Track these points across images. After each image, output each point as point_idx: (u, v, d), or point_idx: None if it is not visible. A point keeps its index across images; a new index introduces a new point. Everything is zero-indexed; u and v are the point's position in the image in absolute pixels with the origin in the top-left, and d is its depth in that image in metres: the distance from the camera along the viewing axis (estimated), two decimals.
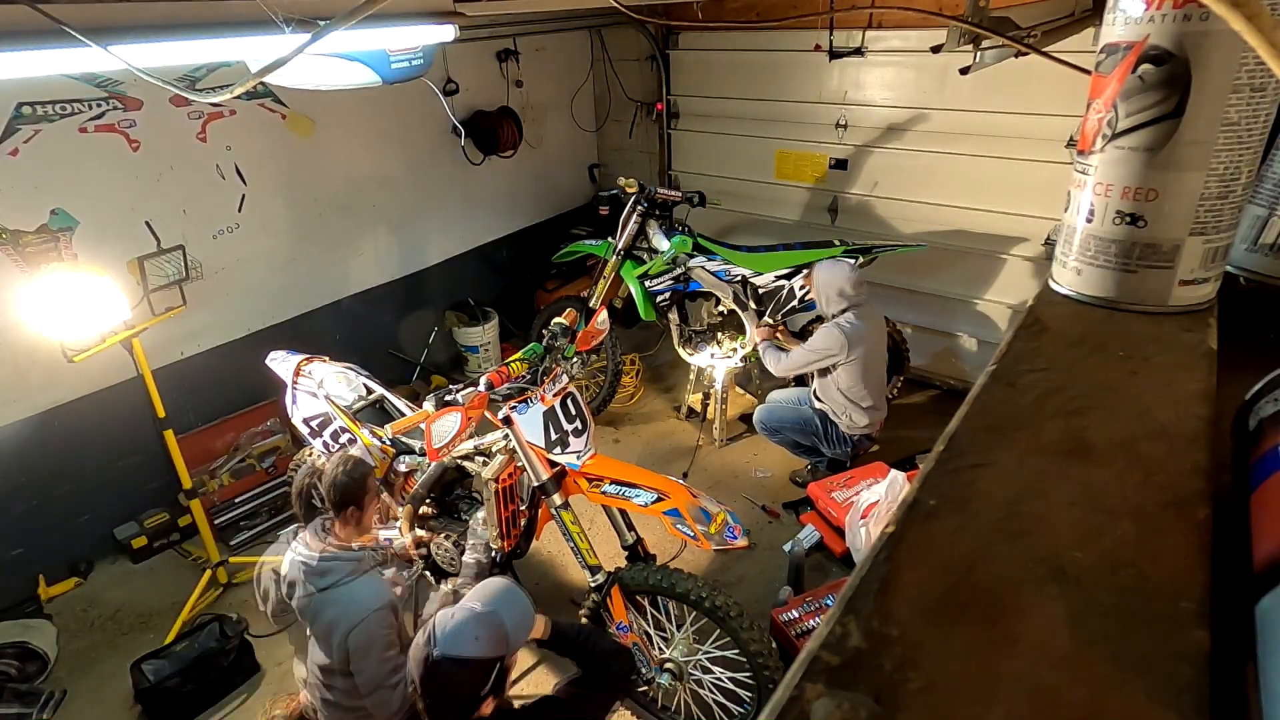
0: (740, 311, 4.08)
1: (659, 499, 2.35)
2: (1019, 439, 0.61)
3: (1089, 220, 0.82)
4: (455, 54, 4.59)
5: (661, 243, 4.15)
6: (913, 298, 4.69)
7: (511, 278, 5.58)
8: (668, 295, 4.20)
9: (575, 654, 1.98)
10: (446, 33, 2.16)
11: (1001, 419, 0.64)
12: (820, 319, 4.11)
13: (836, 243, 3.94)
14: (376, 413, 2.99)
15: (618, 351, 4.49)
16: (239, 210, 3.87)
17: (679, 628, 2.59)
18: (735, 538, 2.31)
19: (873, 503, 3.15)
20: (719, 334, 4.29)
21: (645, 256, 4.23)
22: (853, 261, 3.64)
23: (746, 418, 4.44)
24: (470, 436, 2.51)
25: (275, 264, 4.11)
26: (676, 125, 5.46)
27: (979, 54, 1.97)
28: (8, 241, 3.09)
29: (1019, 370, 0.71)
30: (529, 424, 2.42)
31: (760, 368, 4.55)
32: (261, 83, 1.76)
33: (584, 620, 2.57)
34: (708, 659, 2.55)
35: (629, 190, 4.13)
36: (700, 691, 2.61)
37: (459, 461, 2.71)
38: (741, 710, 2.59)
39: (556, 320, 2.63)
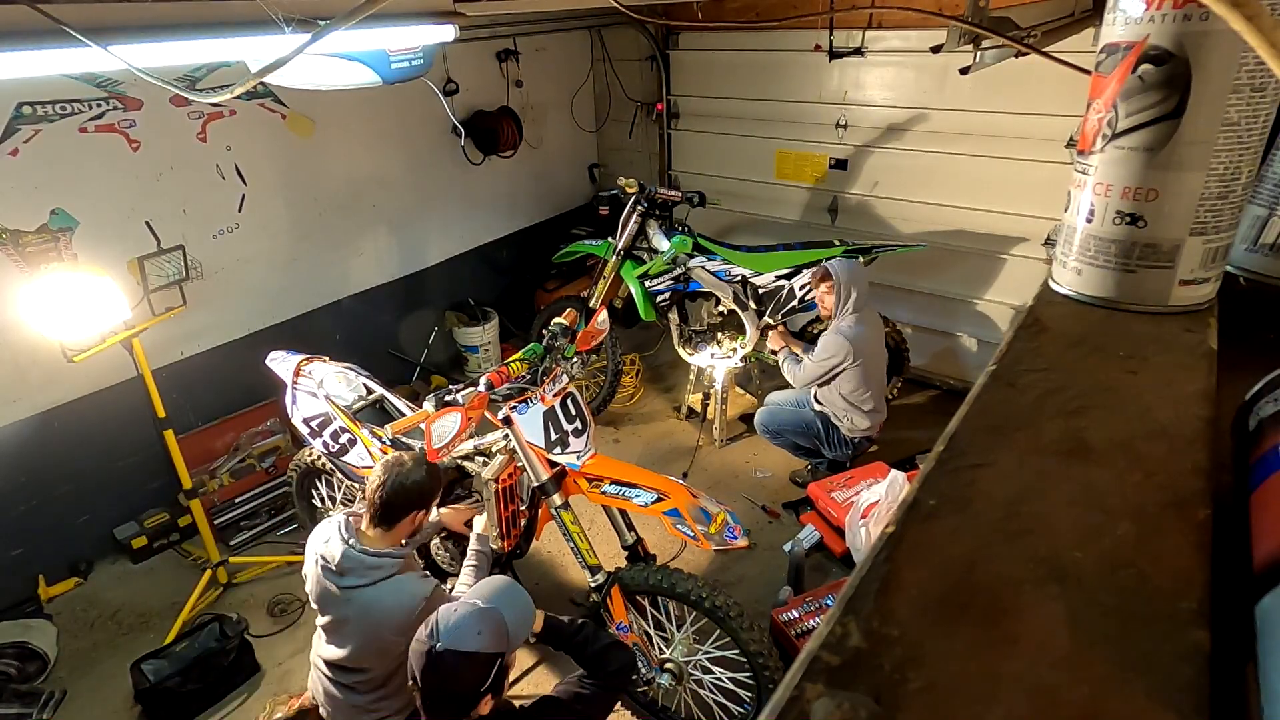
0: (740, 311, 4.08)
1: (659, 499, 2.35)
2: (1019, 439, 0.61)
3: (1089, 220, 0.82)
4: (455, 54, 4.59)
5: (661, 243, 4.14)
6: (913, 298, 4.69)
7: (511, 278, 5.58)
8: (668, 295, 4.20)
9: (572, 648, 1.98)
10: (446, 33, 2.16)
11: (1001, 419, 0.64)
12: (819, 320, 4.11)
13: (837, 243, 3.94)
14: (376, 413, 2.98)
15: (618, 351, 4.49)
16: (239, 210, 3.87)
17: (679, 628, 2.58)
18: (735, 538, 2.31)
19: (873, 503, 3.15)
20: (719, 334, 4.28)
21: (645, 256, 4.23)
22: (858, 261, 3.65)
23: (746, 418, 4.44)
24: (470, 437, 2.51)
25: (275, 264, 4.11)
26: (676, 125, 5.46)
27: (979, 54, 1.97)
28: (8, 241, 3.09)
29: (1019, 370, 0.71)
30: (529, 424, 2.42)
31: (760, 367, 4.56)
32: (262, 83, 1.76)
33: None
34: (708, 659, 2.55)
35: (629, 190, 4.13)
36: (700, 692, 2.61)
37: (459, 462, 2.71)
38: (741, 710, 2.59)
39: (556, 320, 2.63)
